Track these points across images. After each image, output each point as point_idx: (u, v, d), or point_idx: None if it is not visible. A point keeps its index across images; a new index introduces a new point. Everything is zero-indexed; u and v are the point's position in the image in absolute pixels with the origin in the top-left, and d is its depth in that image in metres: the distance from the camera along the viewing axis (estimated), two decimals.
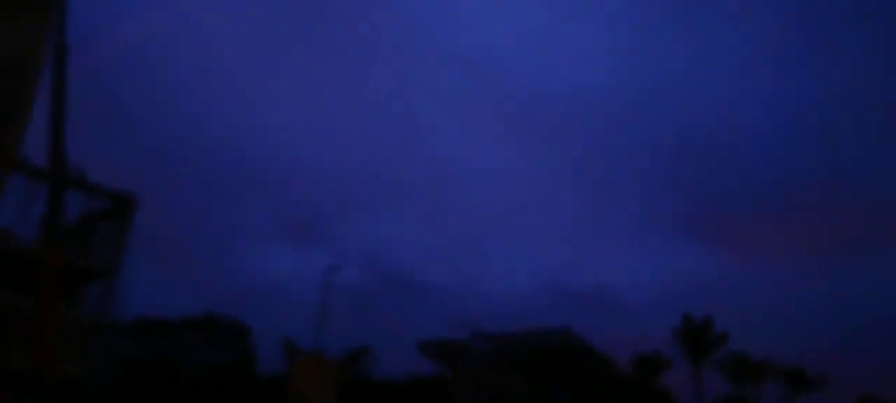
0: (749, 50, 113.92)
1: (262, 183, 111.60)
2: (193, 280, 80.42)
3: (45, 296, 21.07)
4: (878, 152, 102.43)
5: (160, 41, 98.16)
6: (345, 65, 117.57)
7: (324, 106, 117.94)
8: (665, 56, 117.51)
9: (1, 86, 5.71)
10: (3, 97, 5.71)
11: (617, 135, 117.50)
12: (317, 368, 27.26)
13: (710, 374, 30.46)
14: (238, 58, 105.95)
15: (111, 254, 32.47)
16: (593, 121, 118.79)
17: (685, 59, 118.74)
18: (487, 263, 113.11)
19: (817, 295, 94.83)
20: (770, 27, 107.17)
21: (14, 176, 27.00)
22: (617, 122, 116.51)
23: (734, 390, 29.64)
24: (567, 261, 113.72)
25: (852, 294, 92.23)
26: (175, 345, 41.84)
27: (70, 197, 29.02)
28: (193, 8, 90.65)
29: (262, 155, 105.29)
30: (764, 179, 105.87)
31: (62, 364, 24.96)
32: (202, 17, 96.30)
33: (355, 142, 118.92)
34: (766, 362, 23.67)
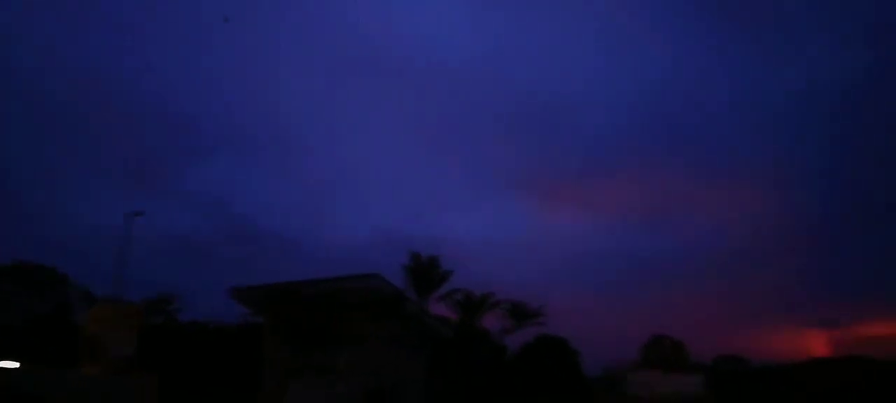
0: (589, 26, 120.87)
1: (98, 125, 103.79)
2: (12, 227, 74.66)
3: None
4: (696, 128, 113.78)
5: None
6: (197, 9, 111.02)
7: (168, 46, 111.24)
8: (511, 23, 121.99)
9: None
10: None
11: (462, 95, 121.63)
12: (115, 313, 26.75)
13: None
14: None
15: None
16: (441, 81, 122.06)
17: (530, 28, 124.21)
18: (332, 214, 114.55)
19: (623, 246, 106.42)
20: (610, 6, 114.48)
21: None
22: (463, 84, 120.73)
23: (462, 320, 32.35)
24: (409, 214, 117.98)
25: (646, 249, 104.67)
26: None
27: None
28: None
29: (100, 95, 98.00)
30: (593, 145, 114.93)
31: None
32: None
33: (201, 87, 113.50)
34: (489, 296, 26.19)
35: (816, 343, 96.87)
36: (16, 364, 33.96)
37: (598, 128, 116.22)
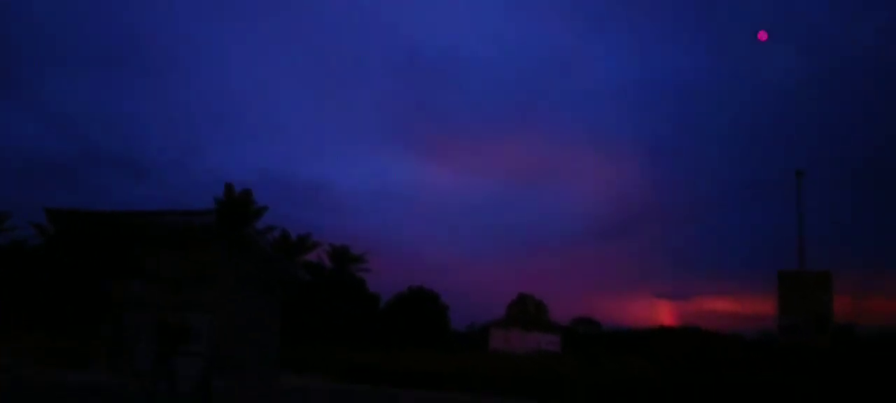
0: None
1: None
2: None
3: None
4: (572, 102, 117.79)
5: None
6: None
7: None
8: None
9: None
10: None
11: (352, 42, 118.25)
12: None
13: None
14: None
15: None
16: (330, 25, 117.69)
17: None
18: (209, 147, 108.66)
19: (498, 207, 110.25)
20: None
21: None
22: (354, 30, 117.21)
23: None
24: (291, 156, 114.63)
25: (518, 211, 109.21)
26: None
27: None
28: None
29: None
30: (481, 106, 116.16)
31: None
32: None
33: None
34: (307, 236, 25.35)
35: (663, 313, 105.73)
36: None
37: (481, 91, 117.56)
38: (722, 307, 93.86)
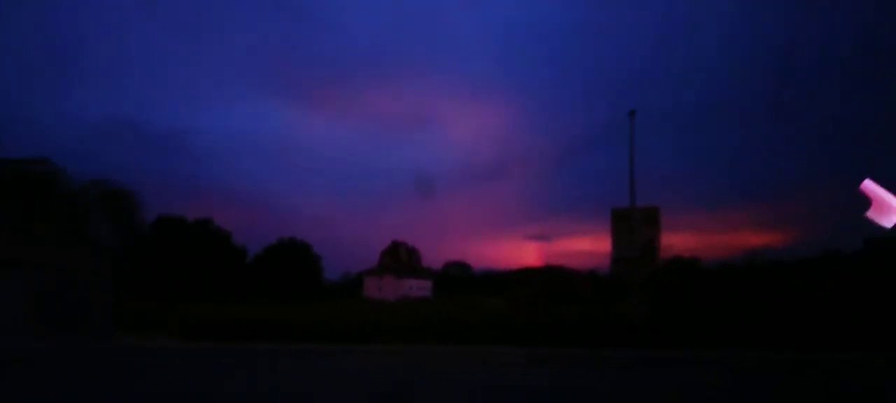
0: None
1: None
2: None
3: None
4: (449, 49, 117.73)
5: None
6: None
7: None
8: None
9: None
10: None
11: None
12: None
13: None
14: None
15: None
16: None
17: None
18: (51, 92, 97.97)
19: (371, 155, 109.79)
20: None
21: None
22: None
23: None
24: (145, 101, 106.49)
25: (392, 158, 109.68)
26: None
27: None
28: None
29: None
30: (352, 52, 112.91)
31: None
32: None
33: None
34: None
35: (530, 254, 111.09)
36: None
37: (352, 37, 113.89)
38: (584, 246, 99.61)
